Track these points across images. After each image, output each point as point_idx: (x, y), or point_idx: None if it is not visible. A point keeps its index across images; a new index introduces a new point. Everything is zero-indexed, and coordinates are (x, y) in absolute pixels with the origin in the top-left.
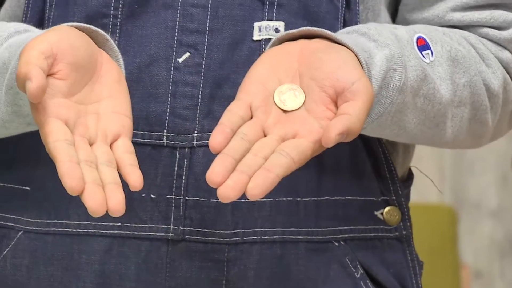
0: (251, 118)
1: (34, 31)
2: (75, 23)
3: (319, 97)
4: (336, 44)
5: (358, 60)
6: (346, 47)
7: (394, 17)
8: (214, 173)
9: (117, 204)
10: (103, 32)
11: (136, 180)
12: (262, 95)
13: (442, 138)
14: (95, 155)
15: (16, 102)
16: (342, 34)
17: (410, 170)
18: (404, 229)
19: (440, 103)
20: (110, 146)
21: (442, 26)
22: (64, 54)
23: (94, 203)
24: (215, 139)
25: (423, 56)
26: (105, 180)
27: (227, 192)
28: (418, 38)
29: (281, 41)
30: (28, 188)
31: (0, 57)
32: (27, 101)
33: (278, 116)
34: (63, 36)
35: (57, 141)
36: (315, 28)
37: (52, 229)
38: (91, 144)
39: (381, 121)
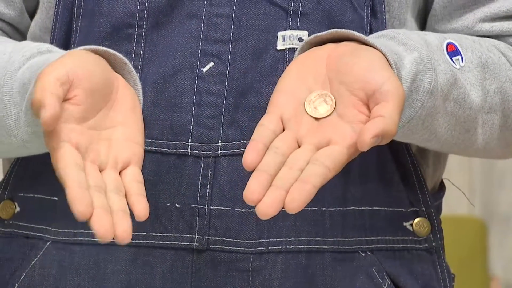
0: (284, 130)
1: (56, 51)
2: (92, 46)
3: (350, 101)
4: (363, 46)
5: (387, 60)
6: (375, 48)
7: (424, 28)
8: (250, 191)
9: (123, 231)
10: (121, 56)
11: (141, 210)
12: (292, 106)
13: (473, 145)
14: (105, 181)
15: (35, 122)
16: (371, 38)
17: (441, 182)
18: (434, 241)
19: (471, 108)
20: (120, 173)
21: (471, 36)
22: (80, 79)
23: (101, 228)
24: (248, 156)
25: (453, 61)
26: (113, 207)
27: (265, 209)
28: (448, 44)
29: (309, 45)
30: (56, 199)
31: (21, 77)
32: None
33: (310, 124)
34: (80, 62)
35: (67, 167)
36: (343, 30)
37: (79, 239)
38: (101, 170)
39: (412, 125)
